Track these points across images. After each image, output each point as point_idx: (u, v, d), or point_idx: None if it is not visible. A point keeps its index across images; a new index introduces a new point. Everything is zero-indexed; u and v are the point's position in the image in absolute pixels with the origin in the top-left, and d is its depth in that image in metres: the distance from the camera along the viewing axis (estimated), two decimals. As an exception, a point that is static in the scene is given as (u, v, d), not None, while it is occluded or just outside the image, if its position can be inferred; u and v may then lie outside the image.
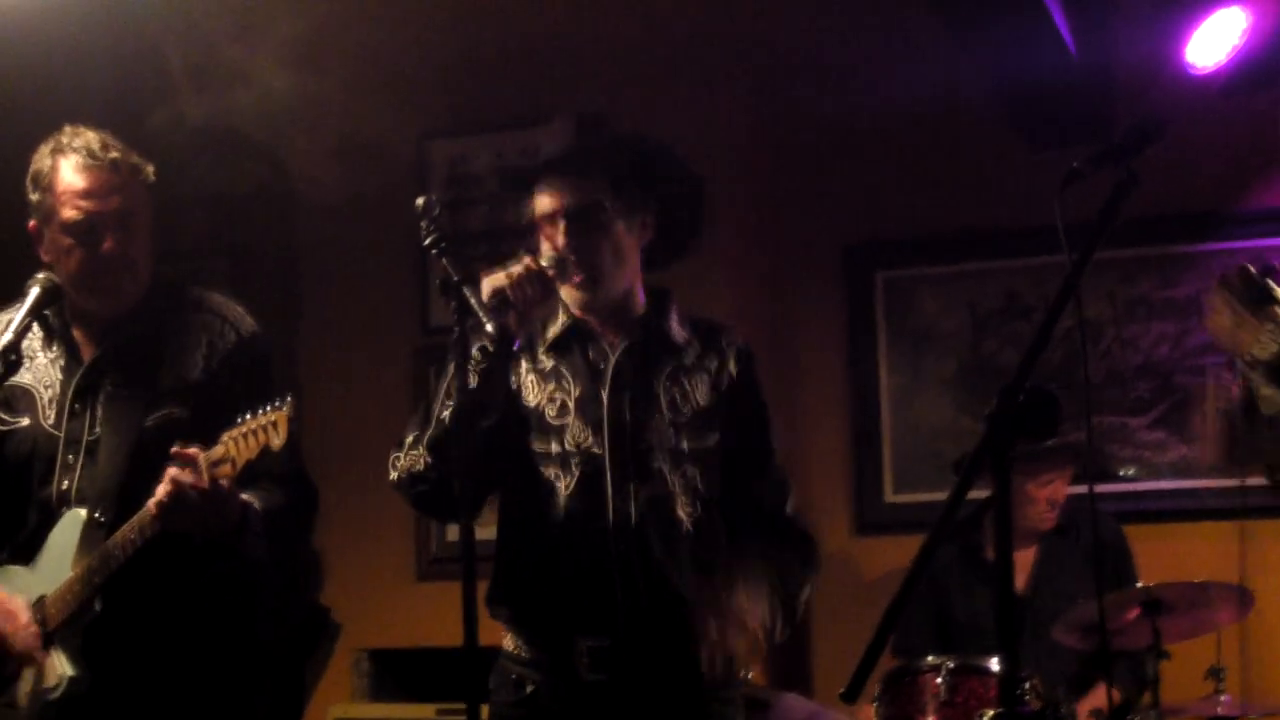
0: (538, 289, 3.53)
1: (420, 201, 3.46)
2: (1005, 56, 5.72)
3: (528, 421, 3.66)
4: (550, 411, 3.66)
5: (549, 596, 3.62)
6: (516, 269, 3.53)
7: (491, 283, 3.49)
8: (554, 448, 3.63)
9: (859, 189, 6.62)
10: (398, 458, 3.66)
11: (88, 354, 3.84)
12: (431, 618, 6.10)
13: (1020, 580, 5.67)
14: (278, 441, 3.44)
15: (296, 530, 3.91)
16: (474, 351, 3.41)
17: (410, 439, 3.63)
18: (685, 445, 3.65)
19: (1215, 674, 5.13)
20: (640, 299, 3.78)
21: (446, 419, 3.50)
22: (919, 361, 6.55)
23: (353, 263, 6.96)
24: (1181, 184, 5.32)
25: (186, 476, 3.45)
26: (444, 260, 3.39)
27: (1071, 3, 5.63)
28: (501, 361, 3.49)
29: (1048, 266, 6.17)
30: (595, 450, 3.61)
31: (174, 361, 3.80)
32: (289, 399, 3.45)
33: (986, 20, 5.42)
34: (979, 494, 4.38)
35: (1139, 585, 5.17)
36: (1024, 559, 5.69)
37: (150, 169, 3.82)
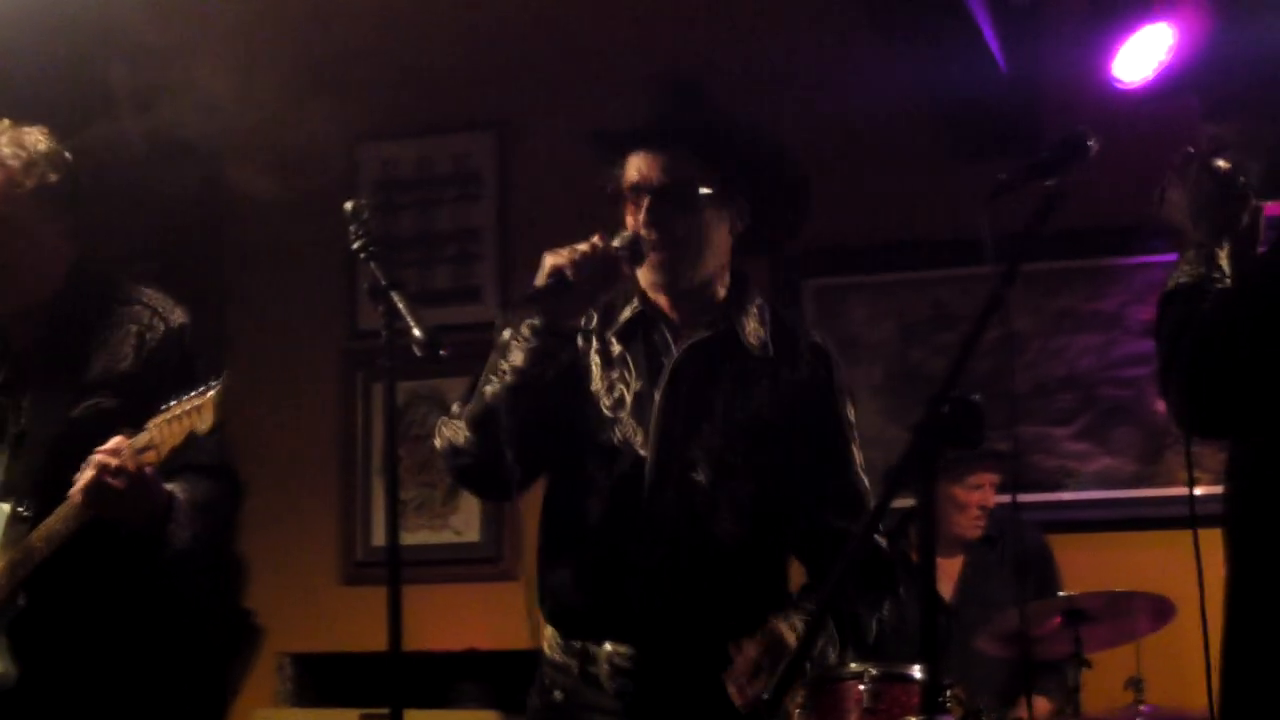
0: (599, 270, 3.31)
1: (349, 205, 3.43)
2: (935, 69, 5.75)
3: (585, 407, 3.45)
4: (606, 401, 3.45)
5: (576, 597, 3.44)
6: (582, 246, 3.31)
7: (552, 259, 3.29)
8: (603, 440, 3.43)
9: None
10: (443, 425, 3.46)
11: (12, 348, 3.82)
12: (356, 622, 6.07)
13: (948, 589, 5.71)
14: (203, 426, 3.41)
15: (221, 522, 3.87)
16: (523, 328, 3.30)
17: (455, 408, 3.46)
18: (738, 458, 3.42)
19: (1135, 684, 5.18)
20: (722, 291, 3.53)
21: (488, 395, 3.35)
22: (847, 369, 6.56)
23: (282, 266, 6.95)
24: (1108, 197, 5.35)
25: (111, 461, 3.43)
26: (373, 264, 3.34)
27: (1000, 17, 5.67)
28: (557, 343, 3.33)
29: (975, 277, 6.19)
30: (640, 451, 3.40)
31: (102, 352, 3.77)
32: (215, 384, 3.43)
33: (918, 33, 5.45)
34: (909, 502, 4.39)
35: (1061, 594, 5.21)
36: (952, 568, 5.73)
37: (50, 172, 3.76)
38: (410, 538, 6.62)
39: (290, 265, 6.93)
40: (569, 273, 3.27)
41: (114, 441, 3.45)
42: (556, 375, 3.35)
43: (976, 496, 5.67)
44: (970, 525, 5.69)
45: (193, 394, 3.42)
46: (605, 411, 3.44)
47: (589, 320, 3.50)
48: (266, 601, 6.53)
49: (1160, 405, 3.41)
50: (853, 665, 4.84)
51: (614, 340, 3.49)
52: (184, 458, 3.52)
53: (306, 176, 6.21)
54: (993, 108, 5.92)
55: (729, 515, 3.38)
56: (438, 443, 3.47)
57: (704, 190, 3.42)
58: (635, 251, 3.38)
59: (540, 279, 3.29)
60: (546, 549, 3.53)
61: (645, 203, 3.40)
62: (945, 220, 5.96)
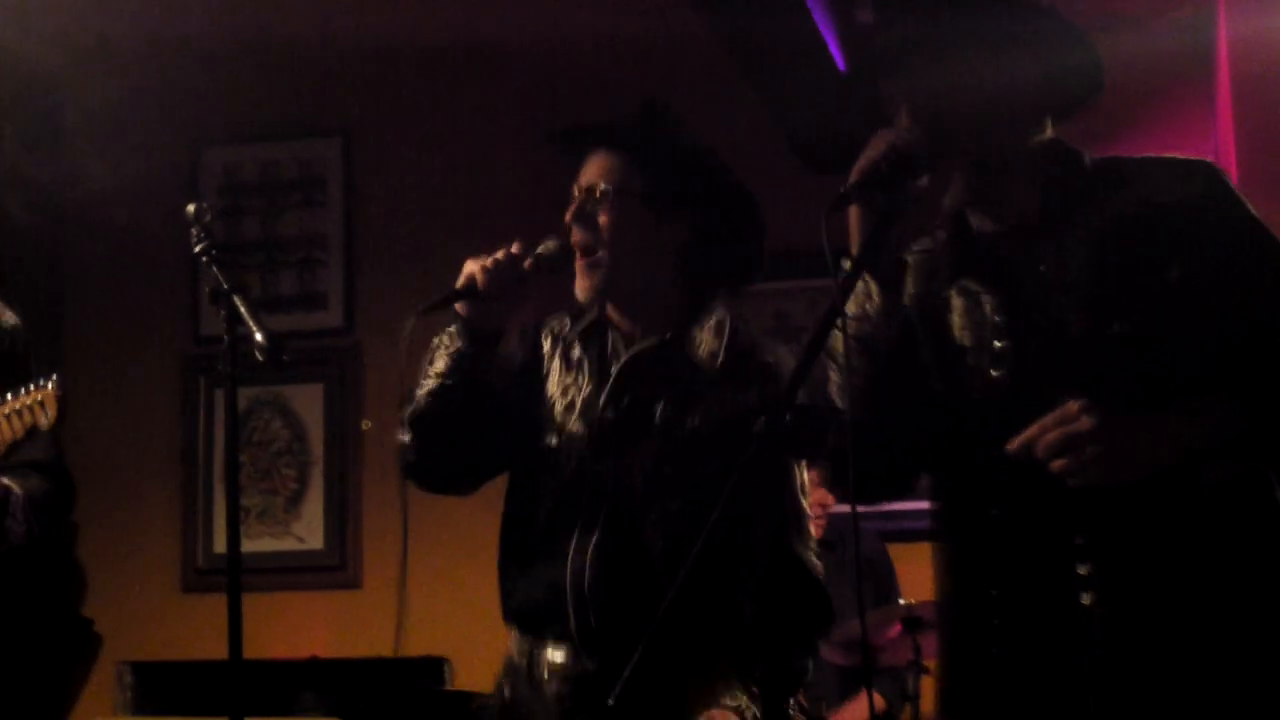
0: (512, 279, 3.29)
1: (191, 208, 3.39)
2: (779, 81, 5.79)
3: (540, 410, 3.43)
4: (560, 404, 3.42)
5: (525, 597, 3.40)
6: (499, 254, 3.30)
7: (469, 265, 3.28)
8: (551, 442, 3.39)
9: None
10: (399, 424, 3.43)
11: None
12: (197, 630, 6.03)
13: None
14: (45, 421, 3.37)
15: (55, 518, 3.82)
16: (445, 334, 3.29)
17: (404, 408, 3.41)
18: (673, 472, 3.32)
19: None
20: (673, 300, 3.44)
21: (419, 397, 3.33)
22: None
23: (123, 270, 6.87)
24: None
25: None
26: (215, 268, 3.31)
27: (846, 32, 5.72)
28: (475, 349, 3.30)
29: (816, 289, 6.26)
30: (583, 457, 3.36)
31: None
32: (54, 378, 3.38)
33: (762, 45, 5.49)
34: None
35: (901, 602, 5.27)
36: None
37: None
38: (252, 545, 6.57)
39: (132, 270, 6.86)
40: (479, 279, 3.27)
41: None
42: (489, 377, 3.34)
43: (815, 495, 5.71)
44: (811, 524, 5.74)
45: (32, 389, 3.38)
46: (557, 415, 3.41)
47: (561, 325, 3.50)
48: (106, 609, 6.50)
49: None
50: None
51: (575, 344, 3.47)
52: (19, 454, 3.47)
53: (148, 179, 6.16)
54: (839, 119, 5.97)
55: (657, 532, 3.31)
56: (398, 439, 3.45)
57: (637, 189, 3.39)
58: (555, 261, 3.36)
59: (458, 283, 3.29)
60: (503, 545, 3.49)
61: (575, 204, 3.41)
62: (787, 232, 6.01)
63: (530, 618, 3.40)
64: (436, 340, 3.37)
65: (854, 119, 3.07)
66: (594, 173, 3.43)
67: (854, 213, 2.77)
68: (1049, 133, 2.88)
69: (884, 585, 5.73)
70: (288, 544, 6.81)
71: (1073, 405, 2.60)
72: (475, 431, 3.35)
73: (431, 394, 3.31)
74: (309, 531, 6.78)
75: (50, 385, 3.38)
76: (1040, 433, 2.61)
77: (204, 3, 6.22)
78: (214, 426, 6.89)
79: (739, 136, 6.41)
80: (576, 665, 3.33)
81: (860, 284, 2.79)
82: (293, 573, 6.70)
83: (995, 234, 2.87)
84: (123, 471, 6.68)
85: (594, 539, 3.33)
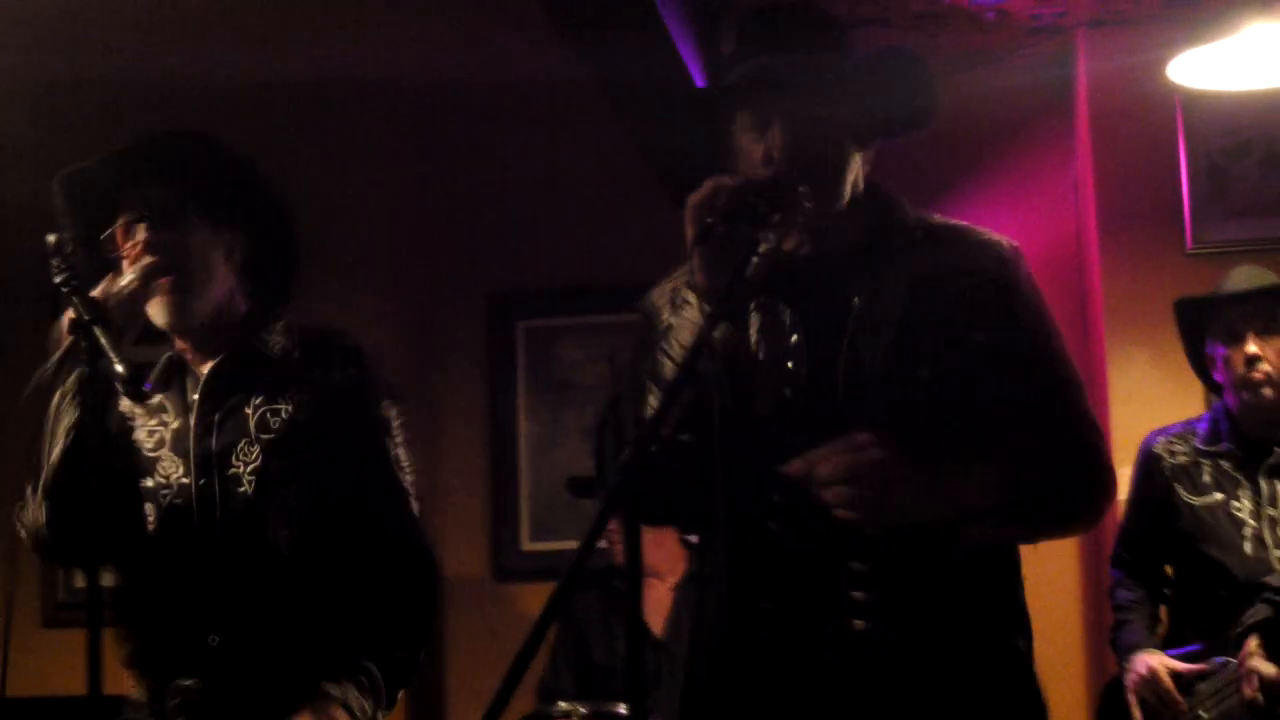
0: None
1: (51, 239, 3.36)
2: (646, 113, 5.81)
3: (133, 460, 3.44)
4: (148, 446, 3.45)
5: (148, 637, 3.45)
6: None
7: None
8: (147, 484, 3.42)
9: (503, 238, 6.67)
10: (21, 516, 3.42)
11: None
12: (57, 666, 5.94)
13: (659, 624, 5.75)
14: None
15: None
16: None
17: (28, 492, 3.39)
18: (279, 465, 3.37)
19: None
20: (237, 312, 3.49)
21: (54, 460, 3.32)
22: (559, 411, 6.61)
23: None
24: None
25: None
26: (75, 300, 3.28)
27: (710, 65, 5.75)
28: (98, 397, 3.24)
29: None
30: (184, 481, 3.38)
31: None
32: None
33: (629, 79, 5.50)
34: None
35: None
36: (663, 602, 5.77)
37: None
38: (113, 579, 6.48)
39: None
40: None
41: None
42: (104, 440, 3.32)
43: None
44: (678, 560, 5.76)
45: None
46: (147, 455, 3.43)
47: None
48: (-38, 646, 6.38)
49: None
50: (561, 705, 4.88)
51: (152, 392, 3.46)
52: None
53: (5, 212, 6.08)
54: (705, 154, 5.99)
55: (280, 521, 3.34)
56: (23, 533, 3.44)
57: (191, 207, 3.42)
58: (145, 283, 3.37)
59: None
60: (118, 594, 3.49)
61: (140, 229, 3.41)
62: (656, 262, 6.04)
63: (157, 656, 3.40)
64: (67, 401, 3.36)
65: (721, 152, 3.09)
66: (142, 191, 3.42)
67: (698, 250, 2.80)
68: (863, 173, 2.95)
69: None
70: (150, 578, 6.73)
71: (863, 436, 2.64)
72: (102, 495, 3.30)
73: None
74: (172, 565, 6.71)
75: None
76: (825, 456, 2.64)
77: (66, 38, 6.14)
78: (75, 459, 6.80)
79: (607, 166, 6.46)
80: (208, 693, 3.32)
81: (698, 316, 2.83)
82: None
83: (811, 258, 2.90)
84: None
85: (220, 552, 3.34)
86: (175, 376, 3.51)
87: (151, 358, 3.51)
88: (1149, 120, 5.88)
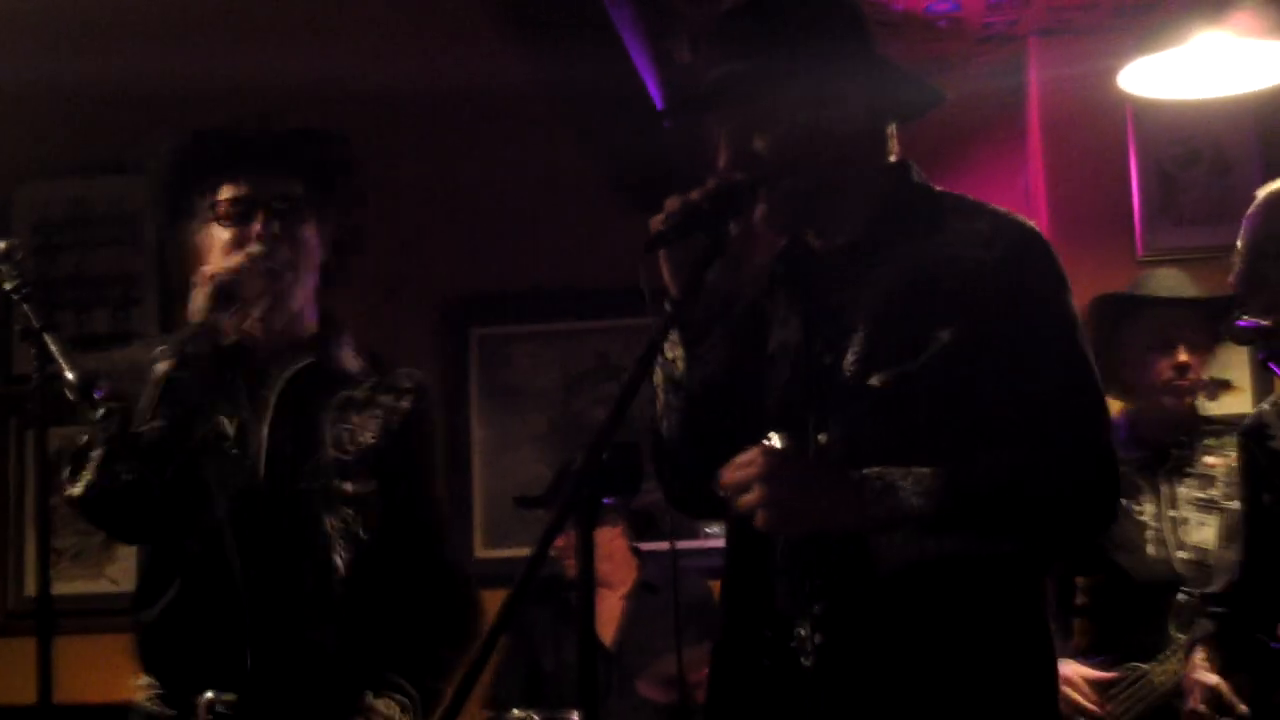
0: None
1: (2, 245, 3.35)
2: (599, 119, 5.82)
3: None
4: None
5: (180, 643, 3.33)
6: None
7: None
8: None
9: (457, 244, 6.67)
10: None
11: None
12: (6, 675, 5.91)
13: (609, 634, 5.75)
14: None
15: None
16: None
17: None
18: (341, 485, 3.35)
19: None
20: (308, 321, 3.51)
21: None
22: (511, 418, 6.61)
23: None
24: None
25: None
26: (26, 306, 3.26)
27: (665, 69, 5.76)
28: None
29: (637, 328, 6.28)
30: (251, 484, 3.30)
31: None
32: None
33: (582, 86, 5.51)
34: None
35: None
36: (613, 612, 5.77)
37: None
38: (66, 587, 6.45)
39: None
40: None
41: None
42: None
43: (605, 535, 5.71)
44: (629, 568, 5.76)
45: None
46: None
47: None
48: (-90, 655, 6.34)
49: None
50: (515, 712, 4.87)
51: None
52: None
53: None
54: (655, 158, 6.01)
55: (343, 542, 3.32)
56: (81, 490, 3.35)
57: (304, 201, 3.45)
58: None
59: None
60: (145, 596, 3.38)
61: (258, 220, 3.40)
62: (609, 270, 6.05)
63: (187, 664, 3.30)
64: None
65: (676, 157, 3.09)
66: (256, 182, 3.43)
67: (663, 254, 2.79)
68: (893, 155, 2.89)
69: (705, 624, 5.73)
70: (101, 586, 6.68)
71: (755, 449, 2.61)
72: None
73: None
74: (123, 574, 6.65)
75: None
76: (737, 464, 2.62)
77: (12, 42, 6.11)
78: (25, 467, 6.76)
79: (559, 173, 6.46)
80: (243, 708, 3.25)
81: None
82: (107, 615, 6.58)
83: (823, 251, 2.89)
84: (-73, 513, 6.56)
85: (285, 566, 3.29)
86: (229, 366, 3.38)
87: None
88: (1100, 128, 5.90)
